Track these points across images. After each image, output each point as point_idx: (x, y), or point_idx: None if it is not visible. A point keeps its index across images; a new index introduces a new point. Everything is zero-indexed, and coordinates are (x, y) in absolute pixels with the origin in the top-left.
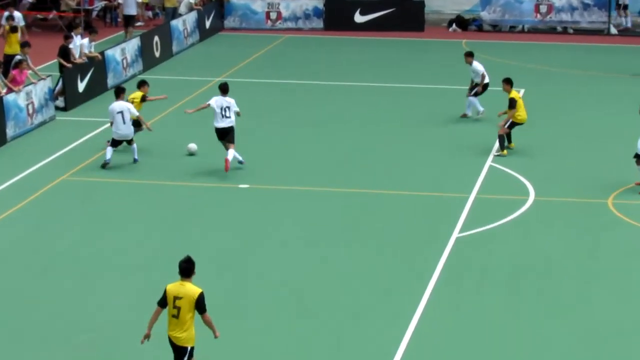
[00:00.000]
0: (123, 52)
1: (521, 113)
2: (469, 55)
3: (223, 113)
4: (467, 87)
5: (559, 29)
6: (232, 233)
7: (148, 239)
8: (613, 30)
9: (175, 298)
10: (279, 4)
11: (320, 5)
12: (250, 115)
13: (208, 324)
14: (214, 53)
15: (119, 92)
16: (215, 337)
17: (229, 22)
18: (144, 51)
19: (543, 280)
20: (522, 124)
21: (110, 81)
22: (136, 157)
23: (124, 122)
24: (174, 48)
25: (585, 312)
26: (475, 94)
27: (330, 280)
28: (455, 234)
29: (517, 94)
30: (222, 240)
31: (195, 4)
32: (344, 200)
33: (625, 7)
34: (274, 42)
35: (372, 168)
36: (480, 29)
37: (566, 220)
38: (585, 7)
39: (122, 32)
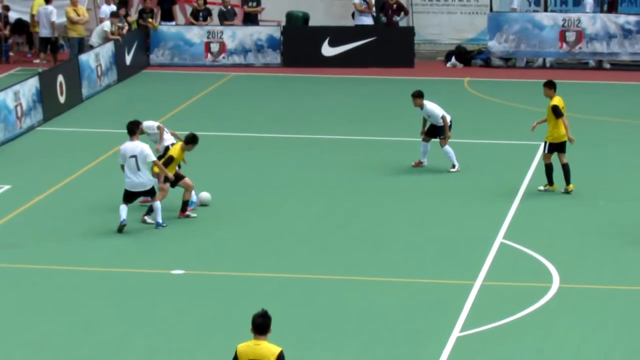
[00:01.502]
0: (17, 96)
1: (560, 128)
2: (418, 96)
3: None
4: (421, 133)
5: (592, 62)
6: (159, 334)
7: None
8: None
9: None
10: (221, 32)
11: (277, 34)
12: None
13: None
14: (136, 97)
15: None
16: None
17: (156, 56)
18: (44, 95)
19: None
20: (562, 143)
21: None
22: (160, 220)
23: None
24: (84, 91)
25: None
26: (443, 139)
27: None
28: (456, 333)
29: (561, 100)
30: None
31: (112, 33)
32: (310, 289)
33: None
34: (216, 82)
35: (346, 248)
36: (487, 63)
37: (601, 313)
38: (626, 34)
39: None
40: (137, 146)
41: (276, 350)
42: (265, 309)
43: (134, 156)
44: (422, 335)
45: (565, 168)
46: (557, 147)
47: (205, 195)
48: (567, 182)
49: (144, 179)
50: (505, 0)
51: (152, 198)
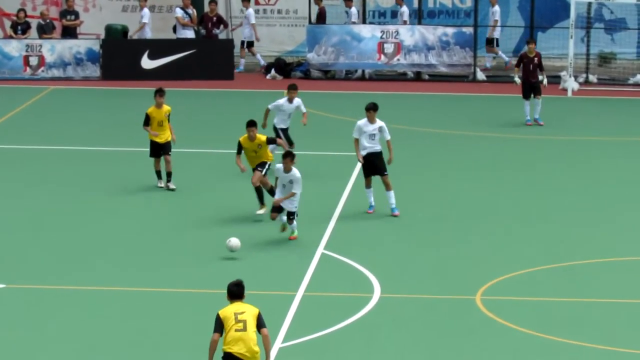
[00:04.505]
0: None
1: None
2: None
3: None
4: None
5: (410, 74)
6: None
7: None
8: (480, 76)
9: (237, 314)
10: (40, 45)
11: (96, 47)
12: None
13: (266, 340)
14: None
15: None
16: None
17: None
18: None
19: None
20: None
21: None
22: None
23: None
24: None
25: None
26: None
27: None
28: (278, 344)
29: None
30: None
31: None
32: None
33: (496, 43)
34: (35, 95)
35: (163, 261)
36: (307, 75)
37: (422, 322)
38: (444, 45)
39: None
40: None
41: (256, 308)
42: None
43: None
44: None
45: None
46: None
47: (234, 243)
48: None
49: None
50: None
51: None
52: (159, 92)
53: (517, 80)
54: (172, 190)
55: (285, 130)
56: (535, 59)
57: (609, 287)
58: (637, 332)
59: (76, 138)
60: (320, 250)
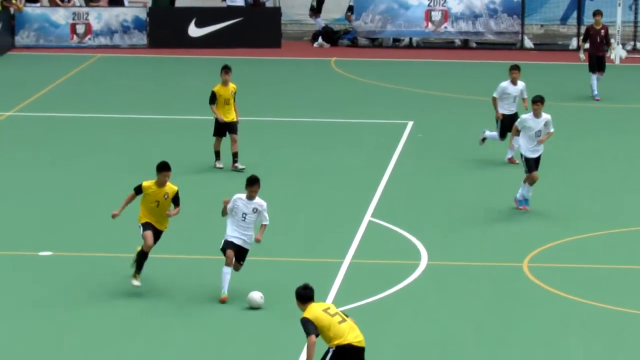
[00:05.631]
0: None
1: None
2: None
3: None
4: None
5: (458, 42)
6: None
7: None
8: (528, 43)
9: (326, 310)
10: (87, 13)
11: (143, 15)
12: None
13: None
14: (1, 80)
15: None
16: None
17: (21, 38)
18: None
19: None
20: None
21: None
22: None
23: None
24: None
25: None
26: None
27: None
28: None
29: None
30: None
31: None
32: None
33: None
34: (82, 63)
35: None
36: (354, 43)
37: (469, 290)
38: (492, 13)
39: None
40: None
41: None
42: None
43: None
44: (294, 313)
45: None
46: None
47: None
48: None
49: None
50: None
51: None
52: (225, 69)
53: (582, 56)
54: (242, 170)
55: (512, 117)
56: (602, 31)
57: None
58: None
59: (124, 106)
60: (367, 217)
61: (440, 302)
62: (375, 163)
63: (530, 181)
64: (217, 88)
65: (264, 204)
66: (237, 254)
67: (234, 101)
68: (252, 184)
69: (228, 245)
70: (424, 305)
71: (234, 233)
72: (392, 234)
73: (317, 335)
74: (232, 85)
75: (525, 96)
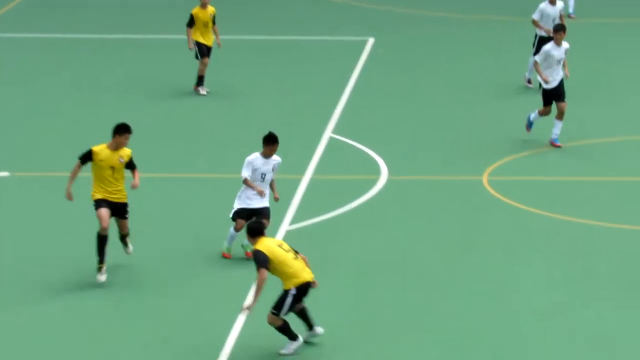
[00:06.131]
0: None
1: None
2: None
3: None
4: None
5: None
6: None
7: None
8: None
9: (280, 245)
10: None
11: None
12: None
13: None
14: None
15: None
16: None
17: None
18: None
19: (399, 278)
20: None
21: None
22: None
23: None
24: None
25: (452, 320)
26: None
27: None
28: (285, 227)
29: None
30: None
31: None
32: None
33: None
34: None
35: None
36: None
37: (429, 204)
38: None
39: None
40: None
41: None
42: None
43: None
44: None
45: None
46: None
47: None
48: None
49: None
50: None
51: None
52: None
53: None
54: (205, 94)
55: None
56: None
57: (617, 166)
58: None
59: (86, 26)
60: (327, 134)
61: (400, 217)
62: (337, 80)
63: (544, 113)
64: (196, 11)
65: (280, 159)
66: (260, 214)
67: (214, 24)
68: (274, 142)
69: (240, 214)
70: (385, 220)
71: (251, 198)
72: (353, 150)
73: (267, 268)
74: (210, 8)
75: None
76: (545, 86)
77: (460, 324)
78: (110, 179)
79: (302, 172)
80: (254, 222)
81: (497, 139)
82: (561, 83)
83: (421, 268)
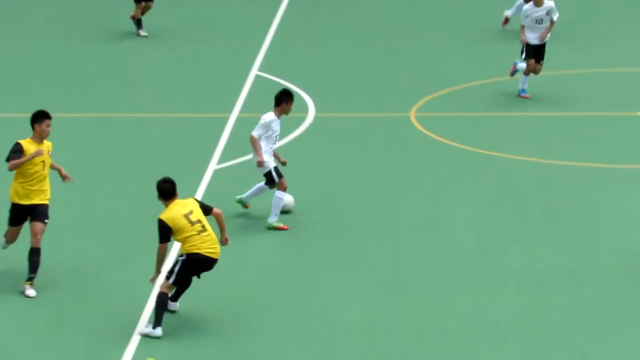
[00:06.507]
0: None
1: None
2: None
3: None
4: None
5: None
6: None
7: None
8: None
9: (187, 215)
10: None
11: None
12: None
13: (220, 217)
14: None
15: None
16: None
17: None
18: None
19: (328, 216)
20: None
21: None
22: None
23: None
24: None
25: (382, 258)
26: None
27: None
28: (213, 166)
29: None
30: None
31: None
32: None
33: None
34: None
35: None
36: None
37: (358, 141)
38: None
39: None
40: None
41: (192, 199)
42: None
43: None
44: (181, 169)
45: None
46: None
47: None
48: None
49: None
50: None
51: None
52: None
53: None
54: (145, 36)
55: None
56: None
57: (545, 101)
58: (567, 143)
59: None
60: (254, 71)
61: (328, 153)
62: (261, 17)
63: (526, 71)
64: None
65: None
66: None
67: None
68: (292, 100)
69: (279, 173)
70: (313, 157)
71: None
72: (279, 88)
73: (167, 242)
74: None
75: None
76: (529, 41)
77: (390, 261)
78: (40, 175)
79: (229, 110)
80: (164, 182)
81: (424, 77)
82: (544, 44)
83: (350, 205)
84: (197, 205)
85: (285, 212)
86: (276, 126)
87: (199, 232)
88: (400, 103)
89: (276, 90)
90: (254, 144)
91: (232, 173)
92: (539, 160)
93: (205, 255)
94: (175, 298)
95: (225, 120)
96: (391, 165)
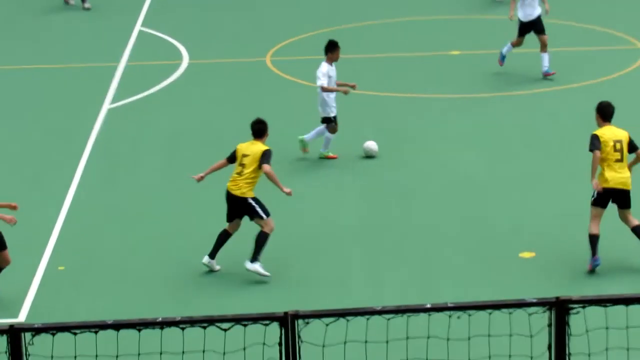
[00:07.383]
0: None
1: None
2: None
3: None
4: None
5: None
6: None
7: None
8: None
9: (244, 156)
10: None
11: None
12: None
13: (269, 175)
14: None
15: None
16: (286, 193)
17: None
18: None
19: (204, 149)
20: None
21: None
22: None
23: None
24: None
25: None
26: None
27: None
28: (107, 106)
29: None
30: None
31: None
32: None
33: None
34: None
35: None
36: None
37: (223, 84)
38: None
39: None
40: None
41: (264, 147)
42: (260, 117)
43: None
44: (77, 110)
45: None
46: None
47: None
48: None
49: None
50: None
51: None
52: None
53: None
54: (88, 9)
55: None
56: None
57: (401, 42)
58: (395, 79)
59: None
60: (137, 27)
61: (200, 95)
62: None
63: (516, 44)
64: None
65: None
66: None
67: None
68: (336, 46)
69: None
70: (188, 98)
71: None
72: (159, 40)
73: (230, 162)
74: None
75: None
76: (522, 19)
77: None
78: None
79: (117, 60)
80: (257, 122)
81: (278, 22)
82: (539, 17)
83: (219, 140)
84: (260, 153)
85: (369, 157)
86: (332, 72)
87: (236, 173)
88: (256, 49)
89: (157, 43)
90: (327, 90)
91: (123, 111)
92: (374, 94)
93: (227, 189)
94: (213, 255)
95: (114, 69)
96: (250, 104)
